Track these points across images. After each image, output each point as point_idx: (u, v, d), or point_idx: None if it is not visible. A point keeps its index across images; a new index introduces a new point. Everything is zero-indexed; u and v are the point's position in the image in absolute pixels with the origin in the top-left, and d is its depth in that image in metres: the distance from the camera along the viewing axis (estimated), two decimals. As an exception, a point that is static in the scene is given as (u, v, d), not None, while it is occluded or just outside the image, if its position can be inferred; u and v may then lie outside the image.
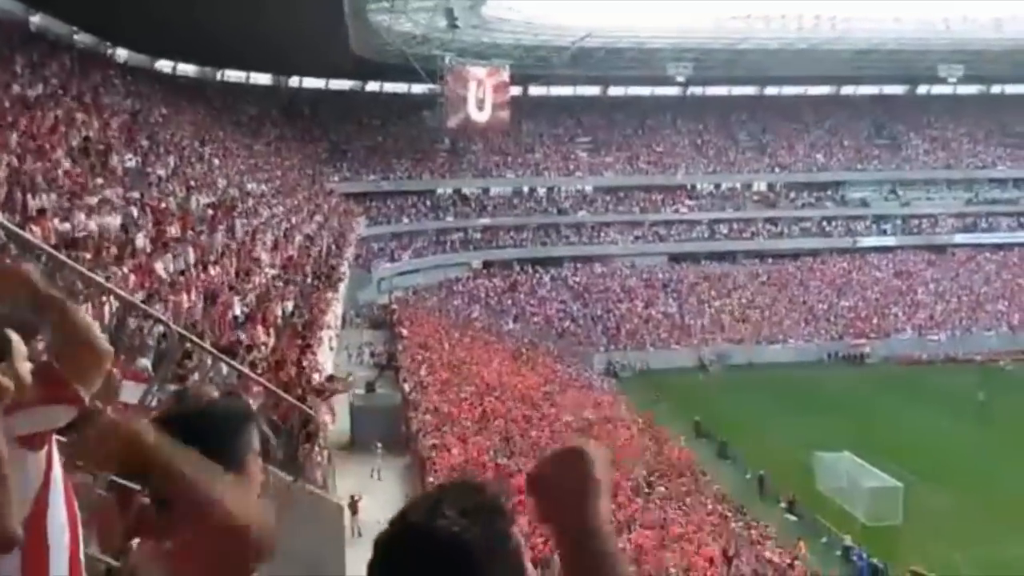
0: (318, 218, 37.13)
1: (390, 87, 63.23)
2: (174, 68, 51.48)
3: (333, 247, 32.97)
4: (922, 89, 69.93)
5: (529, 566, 1.25)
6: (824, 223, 63.63)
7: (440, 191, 60.01)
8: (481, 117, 59.13)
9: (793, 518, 27.43)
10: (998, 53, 61.81)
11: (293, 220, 31.69)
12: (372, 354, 33.64)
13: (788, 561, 21.65)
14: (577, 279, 58.36)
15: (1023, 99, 69.24)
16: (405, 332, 36.47)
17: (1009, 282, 59.42)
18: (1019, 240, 63.13)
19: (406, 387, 27.05)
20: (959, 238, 63.15)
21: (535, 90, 65.57)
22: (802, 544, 23.77)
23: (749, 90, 69.37)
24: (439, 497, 1.25)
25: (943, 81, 66.08)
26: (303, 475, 8.86)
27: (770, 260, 61.07)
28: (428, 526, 1.20)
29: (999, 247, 62.72)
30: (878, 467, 28.33)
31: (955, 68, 63.86)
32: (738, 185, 64.53)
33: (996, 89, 70.33)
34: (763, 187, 64.82)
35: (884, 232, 63.59)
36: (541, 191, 62.41)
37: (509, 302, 54.78)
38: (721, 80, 66.77)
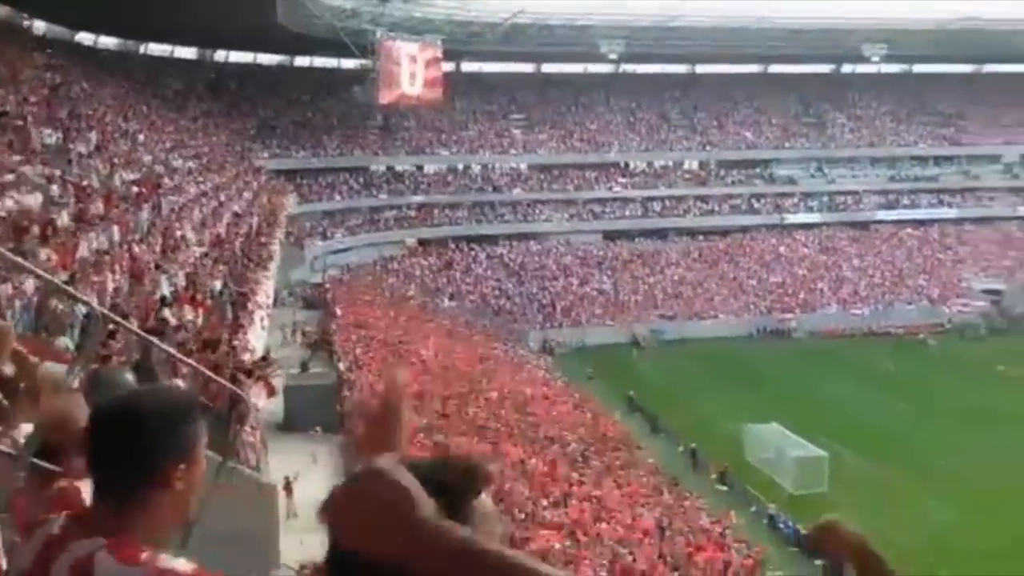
0: (247, 195, 36.46)
1: (320, 62, 62.20)
2: (95, 41, 49.83)
3: (263, 225, 32.42)
4: (847, 68, 71.40)
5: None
6: (753, 200, 64.76)
7: (373, 168, 59.37)
8: (413, 93, 58.56)
9: (724, 488, 28.06)
10: (919, 32, 63.38)
11: (221, 197, 31.06)
12: (303, 333, 33.25)
13: (719, 530, 22.17)
14: (512, 257, 58.46)
15: (943, 78, 71.31)
16: (339, 311, 36.12)
17: (929, 257, 61.39)
18: (939, 216, 65.20)
19: (341, 366, 26.82)
20: (881, 215, 64.91)
21: (468, 66, 65.20)
22: (732, 514, 24.34)
23: (680, 68, 70.02)
24: (411, 464, 1.20)
25: (867, 60, 67.52)
26: (235, 456, 8.72)
27: (701, 237, 62.02)
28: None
29: (920, 223, 64.67)
30: (804, 437, 29.12)
31: (878, 47, 65.31)
32: (670, 163, 65.27)
33: (918, 68, 72.17)
34: (695, 165, 65.66)
35: (811, 209, 65.01)
36: (475, 168, 62.23)
37: (444, 280, 54.63)
38: (653, 58, 67.22)
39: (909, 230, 64.04)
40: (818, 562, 22.48)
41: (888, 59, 67.26)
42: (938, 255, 61.67)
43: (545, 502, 20.13)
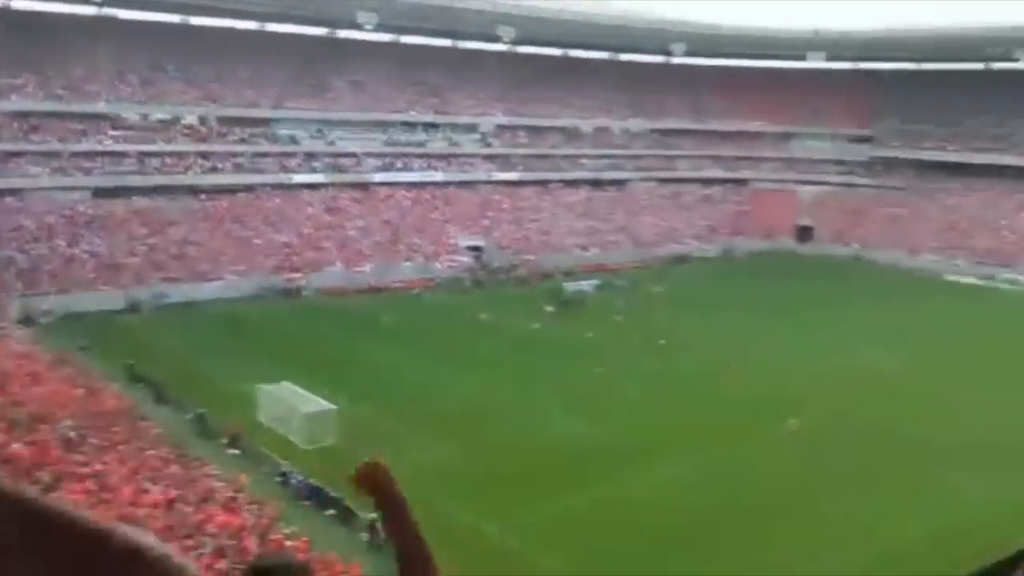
0: None
1: None
2: None
3: None
4: (344, 34, 73.52)
5: None
6: (257, 159, 64.23)
7: None
8: None
9: (235, 452, 27.76)
10: (403, 5, 67.55)
11: None
12: None
13: (231, 493, 21.94)
14: (-18, 216, 50.97)
15: (428, 51, 77.05)
16: None
17: (422, 217, 66.51)
18: (428, 179, 70.86)
19: None
20: (379, 177, 68.64)
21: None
22: (243, 477, 24.23)
23: (174, 18, 66.17)
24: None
25: (361, 28, 70.31)
26: None
27: (204, 196, 59.93)
28: None
29: (413, 185, 69.68)
30: (315, 393, 29.97)
31: (370, 16, 68.38)
32: (168, 117, 61.83)
33: (405, 39, 76.89)
34: (194, 120, 63.01)
35: (314, 170, 66.40)
36: (-73, 114, 52.91)
37: None
38: (143, 5, 62.79)
39: (404, 192, 68.64)
40: (328, 512, 23.49)
41: (379, 28, 70.78)
42: (429, 215, 67.07)
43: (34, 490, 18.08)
